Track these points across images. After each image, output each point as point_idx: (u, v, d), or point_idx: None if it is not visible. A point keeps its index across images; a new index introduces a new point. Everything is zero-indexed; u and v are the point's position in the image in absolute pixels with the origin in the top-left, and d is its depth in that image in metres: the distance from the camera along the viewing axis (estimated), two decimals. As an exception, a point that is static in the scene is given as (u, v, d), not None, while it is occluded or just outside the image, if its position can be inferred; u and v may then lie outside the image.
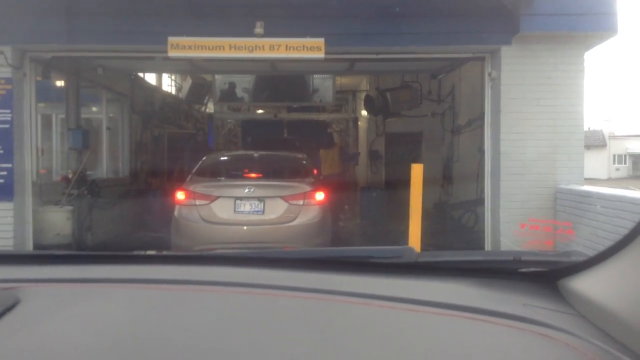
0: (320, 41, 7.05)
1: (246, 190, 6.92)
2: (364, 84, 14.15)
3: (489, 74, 7.54)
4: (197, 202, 6.90)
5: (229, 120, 16.04)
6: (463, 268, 1.50)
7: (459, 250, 7.37)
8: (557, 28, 7.00)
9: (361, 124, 14.86)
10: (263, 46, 7.09)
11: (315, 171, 8.13)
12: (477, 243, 8.23)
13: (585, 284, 1.18)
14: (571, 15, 6.94)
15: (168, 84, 15.95)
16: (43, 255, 1.61)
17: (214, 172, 7.66)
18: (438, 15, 7.05)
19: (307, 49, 7.09)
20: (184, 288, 1.25)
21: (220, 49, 7.09)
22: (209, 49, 7.09)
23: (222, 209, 6.87)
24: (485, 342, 1.01)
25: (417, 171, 6.16)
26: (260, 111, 15.56)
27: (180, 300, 1.18)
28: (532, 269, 1.41)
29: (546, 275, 1.34)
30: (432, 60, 8.81)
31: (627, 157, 47.52)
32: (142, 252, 1.78)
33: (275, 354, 0.92)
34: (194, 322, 1.03)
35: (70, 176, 8.79)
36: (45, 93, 9.21)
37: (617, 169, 46.02)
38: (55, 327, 0.99)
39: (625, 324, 0.99)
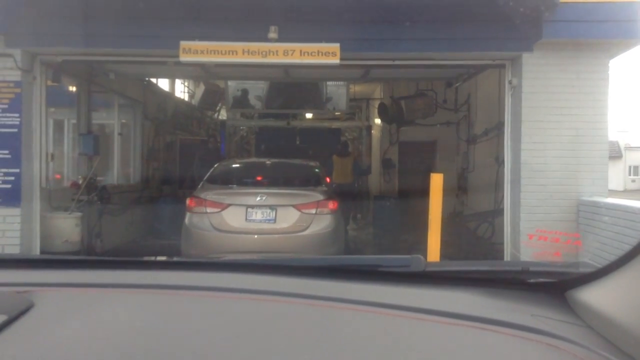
0: (335, 46, 6.89)
1: (258, 198, 6.77)
2: (377, 92, 14.02)
3: (510, 82, 7.33)
4: (208, 209, 6.77)
5: (241, 127, 15.95)
6: (471, 278, 1.50)
7: (468, 260, 7.23)
8: (581, 35, 6.77)
9: (374, 132, 14.69)
10: (277, 51, 6.94)
11: (328, 179, 7.96)
12: (494, 255, 8.00)
13: (592, 295, 1.19)
14: (595, 21, 6.70)
15: (181, 90, 15.90)
16: (56, 260, 1.67)
17: (225, 180, 7.52)
18: (457, 20, 6.85)
19: (322, 55, 6.93)
20: (193, 294, 1.28)
21: (233, 54, 6.95)
22: (221, 53, 6.96)
23: (233, 217, 6.73)
24: (493, 352, 1.02)
25: (436, 181, 6.02)
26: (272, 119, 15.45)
27: (189, 305, 1.21)
28: (540, 280, 1.42)
29: (554, 286, 1.35)
30: (449, 67, 8.63)
31: (643, 168, 46.90)
32: (152, 258, 1.84)
33: None
34: (203, 327, 1.06)
35: (80, 182, 8.68)
36: (56, 97, 9.12)
37: (633, 181, 45.46)
38: (68, 330, 1.02)
39: (631, 336, 1.00)
